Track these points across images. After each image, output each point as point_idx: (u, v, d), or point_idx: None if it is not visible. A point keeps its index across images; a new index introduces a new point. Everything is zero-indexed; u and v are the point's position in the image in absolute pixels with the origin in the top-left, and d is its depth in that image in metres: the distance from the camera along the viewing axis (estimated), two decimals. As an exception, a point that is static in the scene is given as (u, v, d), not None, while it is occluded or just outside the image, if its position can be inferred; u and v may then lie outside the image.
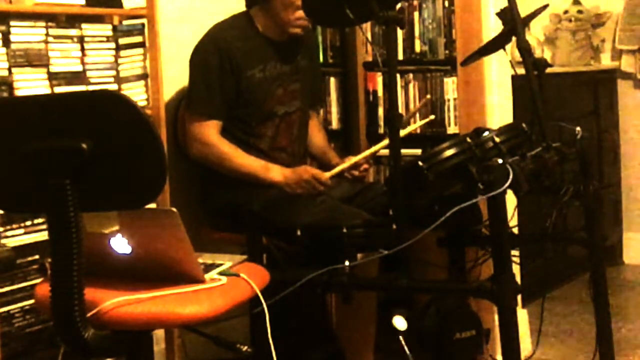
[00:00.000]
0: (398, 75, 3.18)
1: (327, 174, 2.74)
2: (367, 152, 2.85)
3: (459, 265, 2.48)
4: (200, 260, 2.08)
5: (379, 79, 3.30)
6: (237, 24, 2.85)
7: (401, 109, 3.22)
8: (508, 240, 2.16)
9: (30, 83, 2.39)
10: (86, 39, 2.54)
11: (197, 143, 2.79)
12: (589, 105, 4.43)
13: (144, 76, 2.72)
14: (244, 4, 2.96)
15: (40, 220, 2.38)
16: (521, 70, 2.33)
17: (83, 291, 1.75)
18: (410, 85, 3.25)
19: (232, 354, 2.45)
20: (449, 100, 3.19)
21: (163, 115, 2.77)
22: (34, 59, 2.40)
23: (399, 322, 2.21)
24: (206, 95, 2.77)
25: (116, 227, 1.90)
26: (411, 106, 3.25)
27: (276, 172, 2.76)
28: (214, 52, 2.78)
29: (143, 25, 2.72)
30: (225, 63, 2.77)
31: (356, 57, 3.36)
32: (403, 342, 2.19)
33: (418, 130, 3.05)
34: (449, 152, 2.19)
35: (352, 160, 2.84)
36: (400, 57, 3.23)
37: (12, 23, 2.35)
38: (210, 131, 2.77)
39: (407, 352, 2.18)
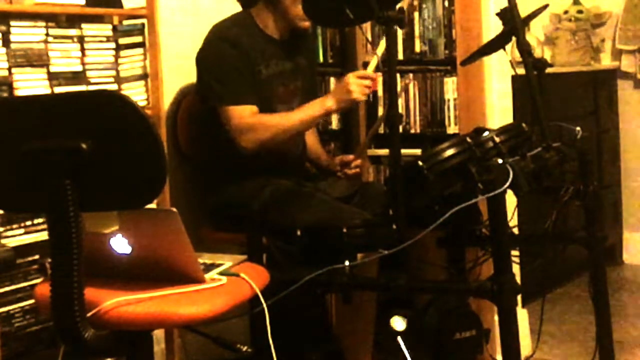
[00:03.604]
0: (398, 75, 3.18)
1: (368, 69, 2.66)
2: (372, 65, 2.71)
3: (459, 265, 2.48)
4: (200, 260, 2.08)
5: (379, 79, 3.30)
6: (239, 22, 2.85)
7: (401, 109, 3.22)
8: (508, 240, 2.16)
9: (30, 83, 2.39)
10: (86, 39, 2.54)
11: (243, 134, 2.69)
12: (589, 105, 4.43)
13: (144, 76, 2.72)
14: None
15: (40, 220, 2.38)
16: (521, 70, 2.33)
17: (83, 291, 1.75)
18: (411, 85, 3.25)
19: (232, 354, 2.45)
20: (449, 100, 3.19)
21: (163, 115, 2.77)
22: (34, 59, 2.40)
23: (398, 323, 2.21)
24: (233, 84, 2.72)
25: (116, 227, 1.90)
26: (411, 106, 3.25)
27: (326, 101, 2.69)
28: (229, 47, 2.74)
29: (143, 25, 2.72)
30: (242, 55, 2.75)
31: (356, 57, 3.36)
32: (402, 343, 2.19)
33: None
34: (449, 152, 2.19)
35: (378, 52, 2.71)
36: (400, 57, 3.24)
37: (12, 23, 2.35)
38: (247, 115, 2.70)
39: (406, 353, 2.17)
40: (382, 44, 2.59)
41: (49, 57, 2.44)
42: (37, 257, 2.40)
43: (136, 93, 2.69)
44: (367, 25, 3.30)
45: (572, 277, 4.05)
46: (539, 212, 2.44)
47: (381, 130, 3.28)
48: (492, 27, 3.00)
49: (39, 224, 2.38)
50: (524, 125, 2.35)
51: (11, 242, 2.34)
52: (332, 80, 3.42)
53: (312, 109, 2.72)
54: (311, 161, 3.09)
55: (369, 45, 3.31)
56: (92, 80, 2.55)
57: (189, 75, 2.89)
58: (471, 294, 2.41)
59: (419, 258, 2.49)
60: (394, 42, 2.31)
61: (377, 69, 2.69)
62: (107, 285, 1.93)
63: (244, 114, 2.71)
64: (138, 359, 2.03)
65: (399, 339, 2.19)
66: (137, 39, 2.70)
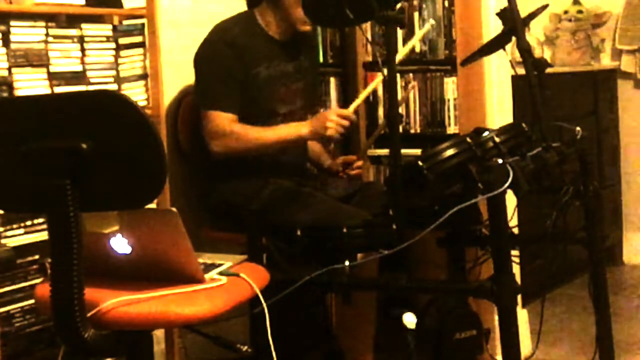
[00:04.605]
0: (398, 75, 3.18)
1: (350, 108, 2.72)
2: (364, 94, 2.83)
3: (459, 265, 2.48)
4: (200, 260, 2.08)
5: (379, 79, 3.30)
6: (241, 22, 2.85)
7: (401, 109, 3.22)
8: (508, 240, 2.16)
9: (30, 83, 2.39)
10: (86, 39, 2.54)
11: (215, 139, 2.74)
12: (589, 105, 4.43)
13: (144, 76, 2.72)
14: (244, 4, 2.96)
15: (40, 220, 2.38)
16: (521, 70, 2.33)
17: (83, 291, 1.75)
18: (410, 85, 3.25)
19: (232, 354, 2.45)
20: (449, 100, 3.19)
21: (163, 115, 2.77)
22: (34, 59, 2.40)
23: (409, 319, 2.20)
24: (218, 89, 2.75)
25: (116, 227, 1.90)
26: (411, 106, 3.26)
27: (302, 128, 2.74)
28: (224, 48, 2.76)
29: (143, 25, 2.71)
30: (237, 58, 2.76)
31: (356, 57, 3.36)
32: (411, 340, 2.19)
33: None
34: (449, 152, 2.19)
35: (361, 96, 2.81)
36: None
37: (12, 23, 2.35)
38: (224, 122, 2.73)
39: (413, 349, 2.17)
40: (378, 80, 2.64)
41: (49, 57, 2.44)
42: (37, 257, 2.40)
43: (136, 93, 2.69)
44: (367, 25, 3.30)
45: (572, 277, 4.04)
46: (539, 212, 2.44)
47: (382, 130, 3.29)
48: (492, 27, 3.00)
49: (39, 224, 2.38)
50: (524, 125, 2.35)
51: (11, 242, 2.34)
52: (332, 80, 3.43)
53: (287, 132, 2.76)
54: (312, 162, 3.09)
55: (369, 45, 3.31)
56: (92, 80, 2.55)
57: (189, 75, 2.89)
58: (471, 294, 2.41)
59: (419, 258, 2.50)
60: (394, 42, 2.32)
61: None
62: (107, 285, 1.93)
63: (220, 119, 2.73)
64: (138, 359, 2.03)
65: (409, 335, 2.19)
66: (137, 39, 2.70)
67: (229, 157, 2.76)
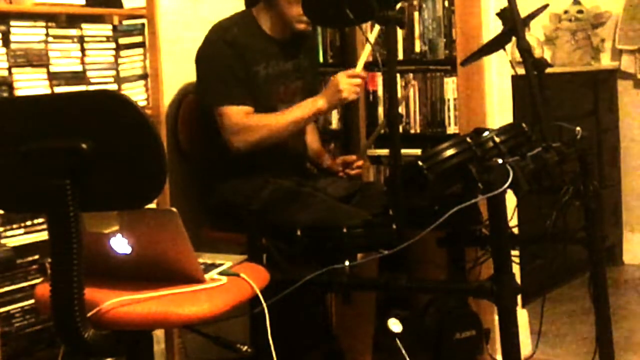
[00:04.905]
0: (398, 75, 3.18)
1: (357, 67, 2.69)
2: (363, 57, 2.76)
3: (459, 265, 2.48)
4: (200, 260, 2.08)
5: (379, 79, 3.30)
6: (240, 22, 2.85)
7: (401, 109, 3.22)
8: (508, 240, 2.16)
9: (30, 83, 2.39)
10: (86, 39, 2.54)
11: (234, 135, 2.72)
12: (589, 105, 4.43)
13: (144, 76, 2.72)
14: (243, 4, 2.96)
15: (40, 220, 2.38)
16: (521, 70, 2.33)
17: (83, 291, 1.75)
18: (410, 85, 3.25)
19: (232, 354, 2.45)
20: (449, 100, 3.19)
21: (163, 115, 2.77)
22: (34, 59, 2.40)
23: (394, 325, 2.21)
24: (223, 85, 2.74)
25: (116, 227, 1.90)
26: (411, 106, 3.26)
27: (317, 102, 2.71)
28: (224, 47, 2.76)
29: (143, 25, 2.72)
30: (237, 57, 2.75)
31: (356, 57, 3.36)
32: (399, 345, 2.19)
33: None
34: (449, 152, 2.19)
35: (365, 52, 2.75)
36: (400, 57, 3.24)
37: (12, 23, 2.35)
38: (239, 116, 2.72)
39: (404, 354, 2.18)
40: (376, 31, 2.62)
41: (49, 57, 2.44)
42: (37, 257, 2.40)
43: (136, 93, 2.69)
44: (367, 25, 3.30)
45: (572, 277, 4.04)
46: (539, 212, 2.44)
47: (382, 130, 3.29)
48: (492, 27, 3.00)
49: (39, 224, 2.38)
50: (524, 125, 2.35)
51: (11, 242, 2.34)
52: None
53: (304, 110, 2.73)
54: (312, 161, 3.09)
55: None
56: (92, 80, 2.55)
57: (189, 75, 2.90)
58: (471, 294, 2.41)
59: (419, 258, 2.50)
60: (394, 42, 2.32)
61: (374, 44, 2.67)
62: (107, 285, 1.93)
63: (237, 114, 2.72)
64: (138, 359, 2.04)
65: (397, 340, 2.19)
66: (137, 39, 2.70)
67: (252, 150, 2.73)
